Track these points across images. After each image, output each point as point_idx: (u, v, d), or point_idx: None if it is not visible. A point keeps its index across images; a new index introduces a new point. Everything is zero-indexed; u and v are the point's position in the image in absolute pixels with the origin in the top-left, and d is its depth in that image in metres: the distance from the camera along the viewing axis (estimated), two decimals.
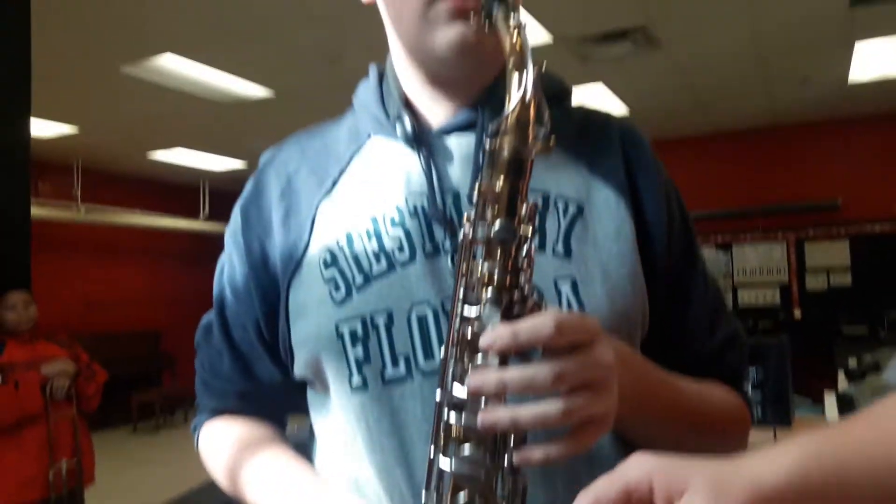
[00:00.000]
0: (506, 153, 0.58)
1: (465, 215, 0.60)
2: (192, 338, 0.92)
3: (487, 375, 0.55)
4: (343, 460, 0.77)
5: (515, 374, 0.54)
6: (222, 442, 0.86)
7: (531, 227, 0.58)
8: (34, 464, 3.13)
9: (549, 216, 0.75)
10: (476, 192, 0.60)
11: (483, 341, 0.55)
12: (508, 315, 0.56)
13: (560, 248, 0.74)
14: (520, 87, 0.58)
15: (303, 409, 0.88)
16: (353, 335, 0.73)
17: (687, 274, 0.81)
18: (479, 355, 0.56)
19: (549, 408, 0.54)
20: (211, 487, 3.89)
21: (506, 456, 0.57)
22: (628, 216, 0.77)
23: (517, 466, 0.57)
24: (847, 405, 3.36)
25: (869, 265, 7.06)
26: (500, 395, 0.55)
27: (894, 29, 4.80)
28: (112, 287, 8.91)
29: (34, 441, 3.14)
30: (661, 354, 0.77)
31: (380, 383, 0.73)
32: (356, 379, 0.73)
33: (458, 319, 0.58)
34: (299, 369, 0.79)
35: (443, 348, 0.60)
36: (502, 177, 0.58)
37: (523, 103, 0.58)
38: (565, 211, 0.76)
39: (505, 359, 0.56)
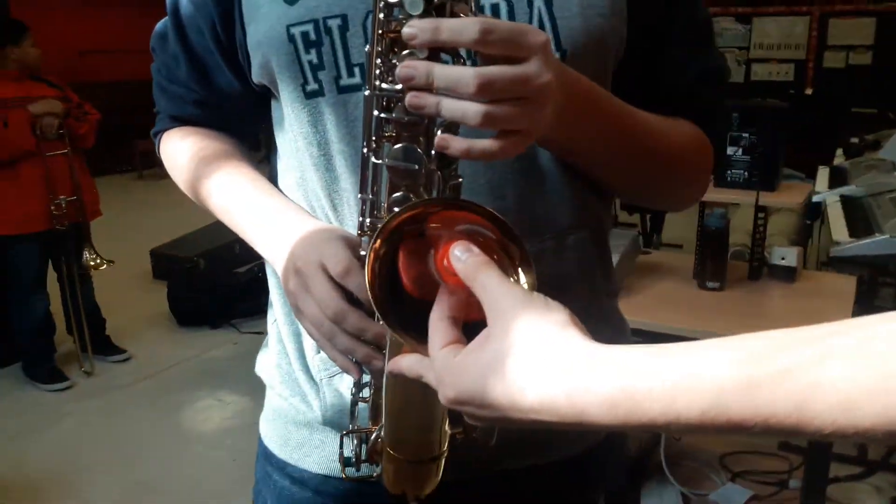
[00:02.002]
0: None
1: None
2: None
3: (416, 64, 0.52)
4: (299, 171, 0.77)
5: (442, 69, 0.52)
6: (184, 151, 0.86)
7: None
8: (34, 199, 3.23)
9: None
10: None
11: (406, 31, 0.52)
12: (432, 9, 0.53)
13: None
14: None
15: (263, 124, 0.87)
16: (306, 39, 0.70)
17: None
18: (406, 52, 0.54)
19: (470, 106, 0.52)
20: (212, 229, 4.02)
21: (435, 152, 0.56)
22: None
23: (449, 164, 0.57)
24: (838, 178, 3.37)
25: (892, 44, 6.76)
26: (428, 89, 0.53)
27: None
28: (105, 36, 8.66)
29: (32, 178, 3.22)
30: (634, 85, 0.74)
31: (335, 91, 0.71)
32: (311, 86, 0.71)
33: (381, 11, 0.55)
34: (256, 75, 0.77)
35: (367, 45, 0.57)
36: None
37: None
38: None
39: (434, 57, 0.54)
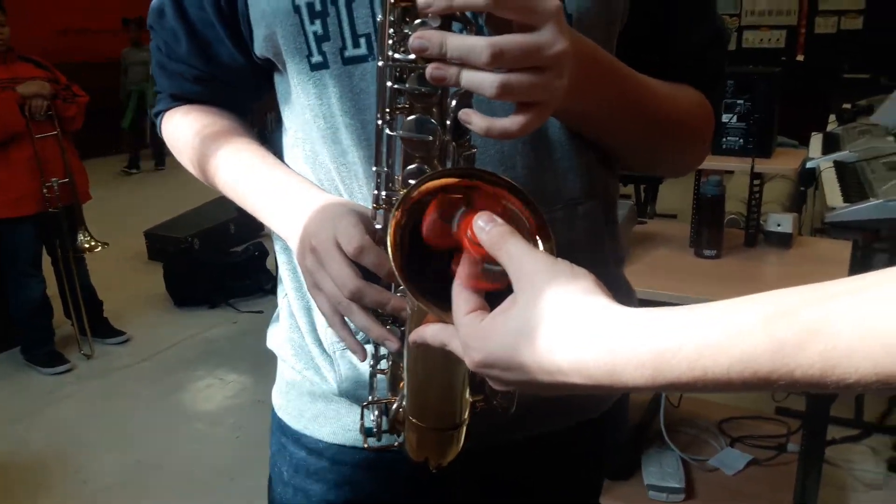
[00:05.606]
0: None
1: None
2: None
3: (429, 34, 0.52)
4: (308, 143, 0.77)
5: (455, 39, 0.52)
6: (187, 129, 0.86)
7: None
8: (25, 181, 3.21)
9: None
10: None
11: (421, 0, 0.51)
12: None
13: None
14: None
15: (266, 100, 0.87)
16: (311, 9, 0.69)
17: None
18: (418, 21, 0.54)
19: (486, 77, 0.51)
20: (205, 209, 4.02)
21: (450, 123, 0.56)
22: None
23: (464, 134, 0.57)
24: (832, 144, 3.38)
25: (883, 8, 6.74)
26: (441, 59, 0.53)
27: None
28: (85, 14, 8.54)
29: (22, 160, 3.20)
30: (637, 50, 0.74)
31: (340, 62, 0.70)
32: (316, 57, 0.71)
33: None
34: (259, 48, 0.76)
35: (379, 15, 0.57)
36: None
37: None
38: None
39: (447, 27, 0.53)
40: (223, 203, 5.21)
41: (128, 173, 8.14)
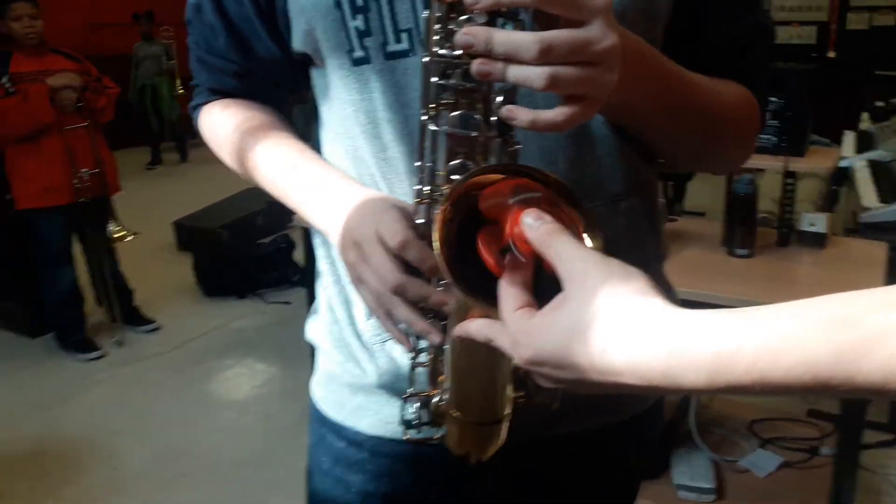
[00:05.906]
0: None
1: None
2: None
3: (476, 30, 0.52)
4: (349, 138, 0.77)
5: (502, 35, 0.51)
6: (226, 124, 0.86)
7: None
8: (56, 172, 3.26)
9: None
10: None
11: None
12: None
13: None
14: None
15: (303, 93, 0.87)
16: (353, 4, 0.69)
17: None
18: (464, 17, 0.54)
19: (533, 69, 0.51)
20: (233, 201, 4.05)
21: (494, 119, 0.56)
22: None
23: (508, 130, 0.57)
24: (866, 143, 3.32)
25: None
26: (487, 55, 0.52)
27: None
28: (115, 8, 8.63)
29: (53, 151, 3.25)
30: (682, 45, 0.73)
31: (382, 57, 0.70)
32: (358, 52, 0.71)
33: None
34: (298, 43, 0.76)
35: (425, 11, 0.57)
36: None
37: None
38: None
39: (492, 23, 0.53)
40: (251, 195, 5.27)
41: (151, 169, 8.22)
